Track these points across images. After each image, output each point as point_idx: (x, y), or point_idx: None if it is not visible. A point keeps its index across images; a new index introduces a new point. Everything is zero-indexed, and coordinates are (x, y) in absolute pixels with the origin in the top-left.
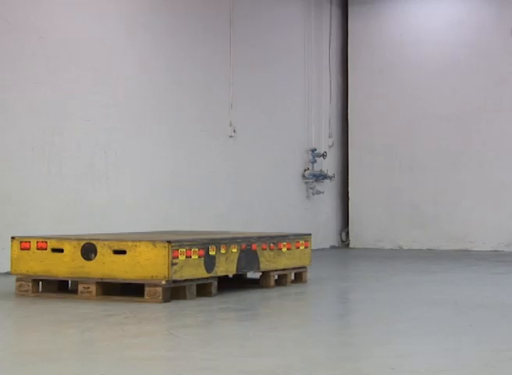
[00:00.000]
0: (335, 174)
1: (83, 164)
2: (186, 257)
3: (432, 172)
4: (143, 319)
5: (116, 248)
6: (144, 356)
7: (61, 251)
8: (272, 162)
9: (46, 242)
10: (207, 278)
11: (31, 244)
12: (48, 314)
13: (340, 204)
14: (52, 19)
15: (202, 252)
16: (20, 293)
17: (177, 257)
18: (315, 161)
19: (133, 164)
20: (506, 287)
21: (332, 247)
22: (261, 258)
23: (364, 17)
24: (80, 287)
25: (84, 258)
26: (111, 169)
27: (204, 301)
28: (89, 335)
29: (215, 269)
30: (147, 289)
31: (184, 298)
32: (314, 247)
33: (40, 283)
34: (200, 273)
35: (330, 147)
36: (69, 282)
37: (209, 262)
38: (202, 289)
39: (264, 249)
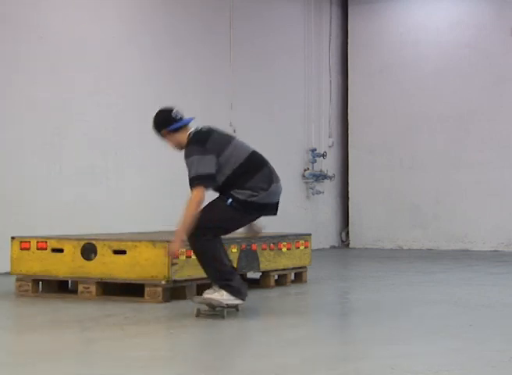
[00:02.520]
0: (335, 174)
1: (83, 164)
2: (186, 257)
3: (432, 172)
4: (143, 319)
5: (116, 248)
6: (144, 356)
7: (61, 251)
8: (272, 162)
9: (46, 242)
10: (207, 278)
11: (31, 244)
12: (48, 314)
13: (340, 204)
14: (52, 19)
15: None
16: (20, 293)
17: (177, 257)
18: (315, 161)
19: (133, 164)
20: (506, 287)
21: (332, 247)
22: (261, 259)
23: (364, 17)
24: (80, 287)
25: (84, 258)
26: (111, 169)
27: None
28: (89, 335)
29: None
30: (147, 289)
31: (184, 298)
32: (314, 247)
33: (40, 283)
34: (200, 273)
35: (330, 147)
36: (69, 282)
37: None
38: (202, 289)
39: (264, 249)
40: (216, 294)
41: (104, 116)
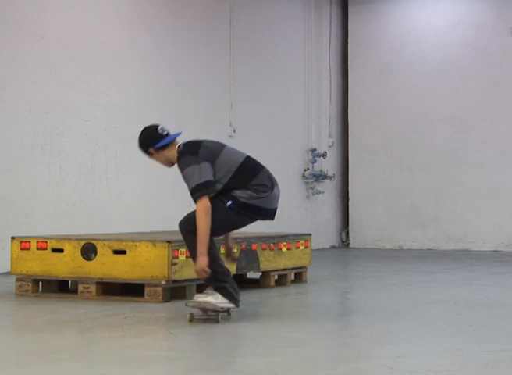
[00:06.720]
0: (335, 174)
1: (83, 164)
2: (186, 257)
3: (432, 172)
4: (143, 319)
5: (116, 248)
6: (144, 356)
7: (61, 251)
8: (272, 162)
9: (46, 242)
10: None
11: (31, 244)
12: (48, 314)
13: (340, 204)
14: (52, 19)
15: None
16: (20, 293)
17: (177, 257)
18: (315, 161)
19: (133, 164)
20: (506, 287)
21: (332, 247)
22: (261, 258)
23: (364, 17)
24: (80, 287)
25: (84, 258)
26: (111, 169)
27: None
28: (89, 335)
29: None
30: (147, 289)
31: (184, 298)
32: (314, 247)
33: (40, 283)
34: None
35: (330, 147)
36: (69, 282)
37: None
38: (202, 289)
39: (264, 249)
40: (210, 297)
41: (104, 116)
